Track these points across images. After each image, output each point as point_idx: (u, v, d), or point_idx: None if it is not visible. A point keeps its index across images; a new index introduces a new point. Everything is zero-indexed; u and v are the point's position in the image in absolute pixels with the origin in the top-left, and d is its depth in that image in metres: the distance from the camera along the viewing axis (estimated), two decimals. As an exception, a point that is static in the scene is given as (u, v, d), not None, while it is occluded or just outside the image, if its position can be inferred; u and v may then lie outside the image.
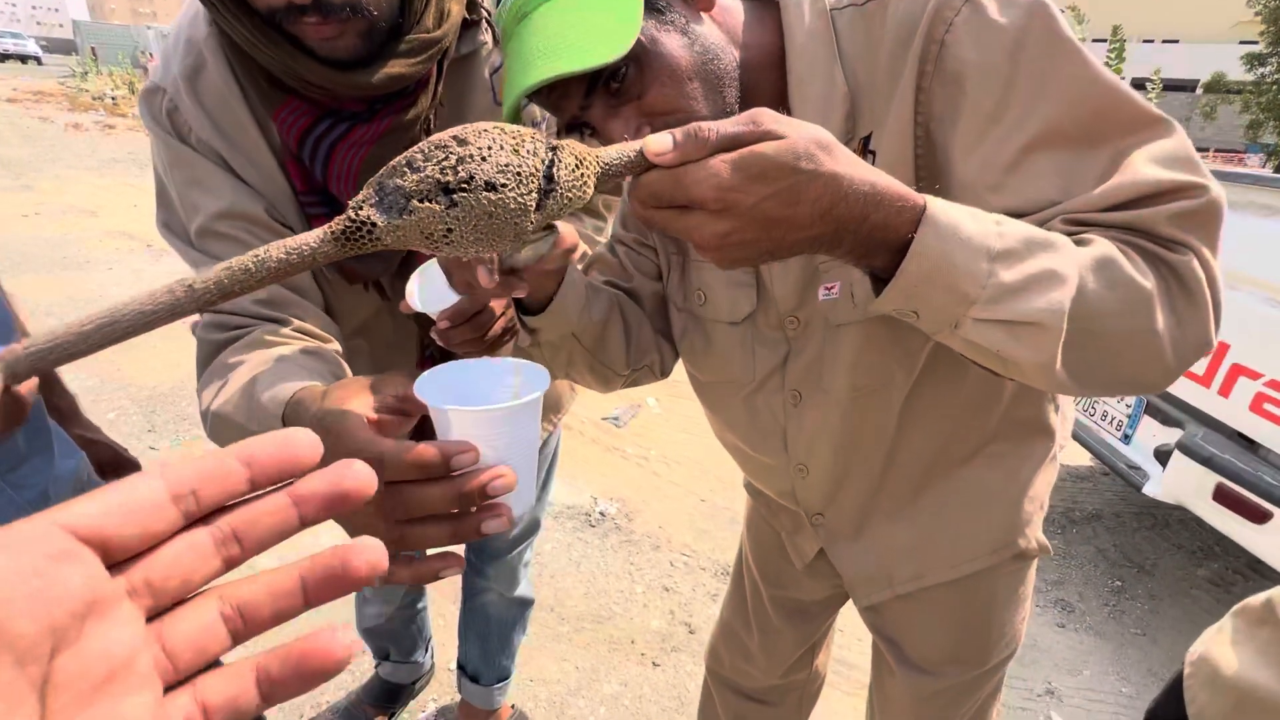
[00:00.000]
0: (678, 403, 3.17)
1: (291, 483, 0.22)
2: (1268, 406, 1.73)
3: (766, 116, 0.41)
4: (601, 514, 2.32)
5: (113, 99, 9.62)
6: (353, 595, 1.93)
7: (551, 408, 1.09)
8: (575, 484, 2.47)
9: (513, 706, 1.46)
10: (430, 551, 0.40)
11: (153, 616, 0.20)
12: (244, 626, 0.21)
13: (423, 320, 0.79)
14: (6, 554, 0.16)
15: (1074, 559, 2.36)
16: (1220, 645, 0.59)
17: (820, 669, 1.15)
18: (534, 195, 0.36)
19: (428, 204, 0.35)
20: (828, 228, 0.42)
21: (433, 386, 0.40)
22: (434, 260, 0.71)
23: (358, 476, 0.21)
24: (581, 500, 2.40)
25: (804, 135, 0.41)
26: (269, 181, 0.70)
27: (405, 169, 0.35)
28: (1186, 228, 0.48)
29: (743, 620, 1.09)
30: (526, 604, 1.36)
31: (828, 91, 0.59)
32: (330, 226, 0.36)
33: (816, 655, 1.12)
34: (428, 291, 0.68)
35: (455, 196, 0.35)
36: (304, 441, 0.21)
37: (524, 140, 0.37)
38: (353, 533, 0.39)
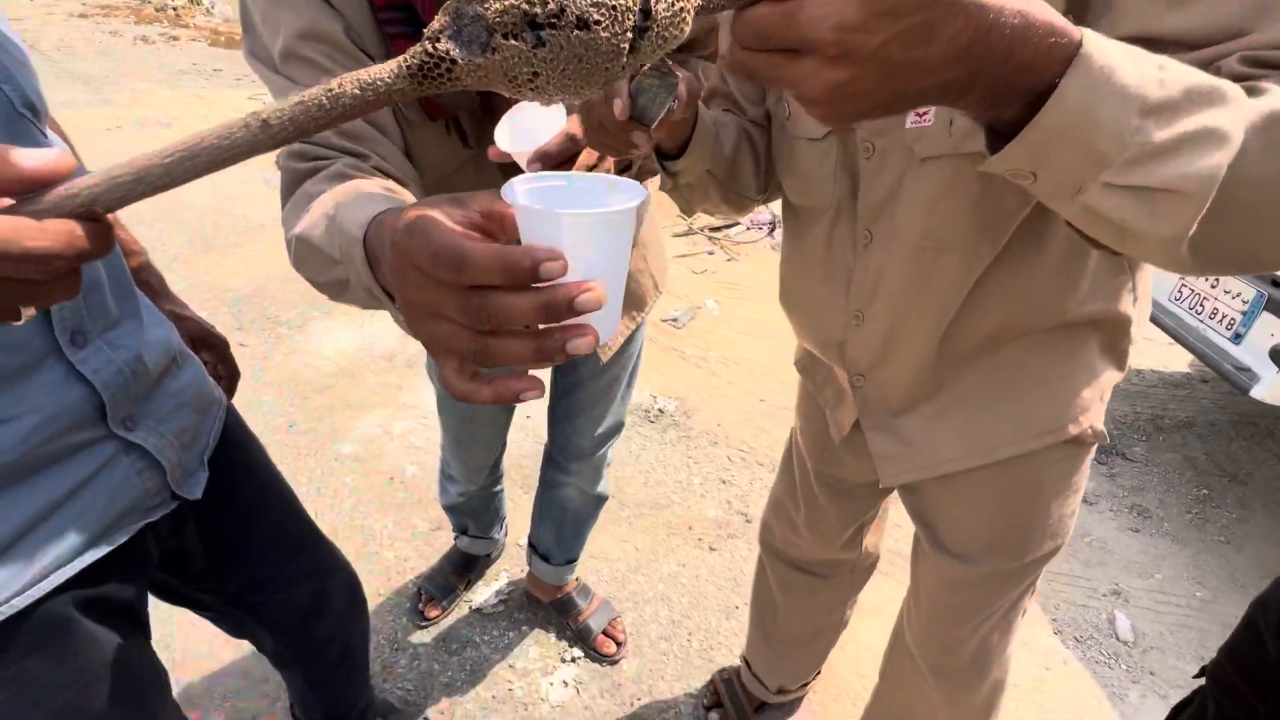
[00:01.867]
0: (737, 305, 3.10)
1: None
2: None
3: None
4: (660, 410, 2.36)
5: (174, 10, 9.70)
6: (435, 480, 2.08)
7: (635, 304, 1.08)
8: (637, 382, 2.50)
9: (576, 579, 1.56)
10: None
11: None
12: None
13: (511, 172, 0.77)
14: None
15: (1157, 466, 2.24)
16: None
17: (871, 549, 1.16)
18: (628, 35, 0.31)
19: (512, 41, 0.31)
20: (962, 70, 0.34)
21: (520, 192, 0.38)
22: (524, 104, 0.67)
23: None
24: (641, 397, 2.44)
25: None
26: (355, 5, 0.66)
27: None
28: None
29: (790, 496, 1.11)
30: (602, 500, 1.43)
31: None
32: (405, 60, 0.33)
33: (865, 535, 1.12)
34: (518, 136, 0.66)
35: (543, 34, 0.31)
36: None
37: None
38: (432, 343, 0.38)
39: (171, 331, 0.75)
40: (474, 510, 1.50)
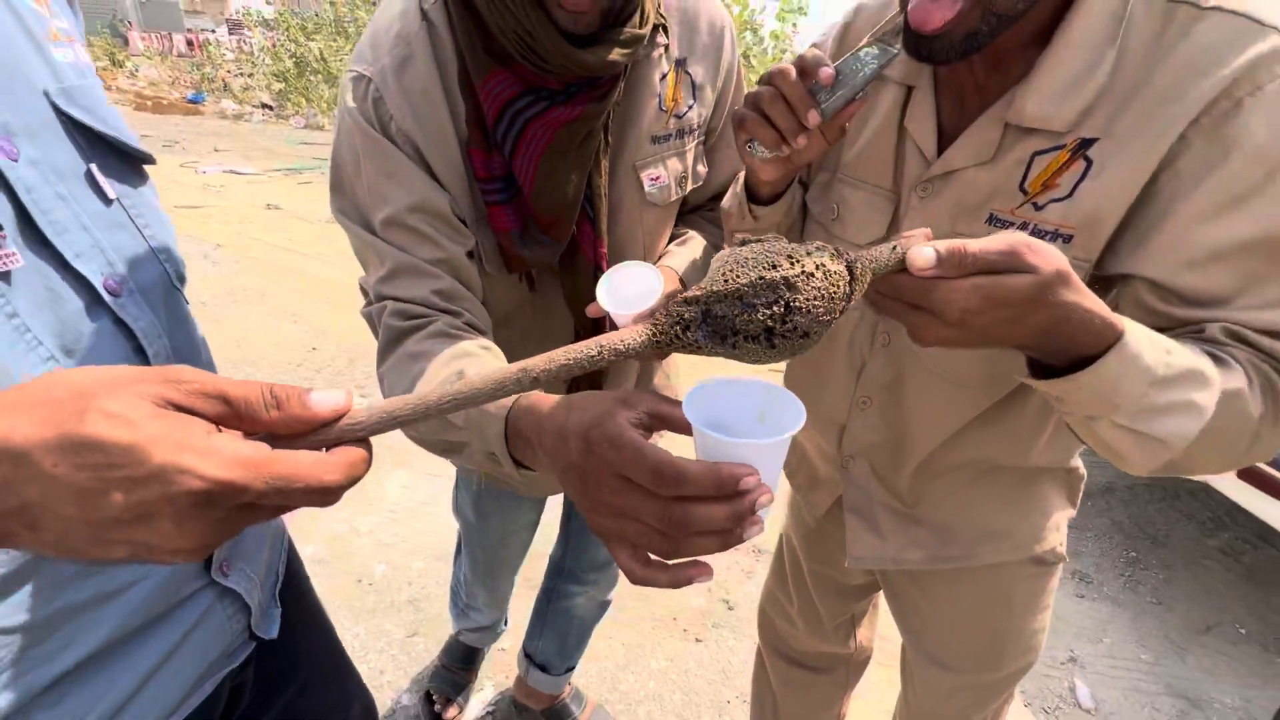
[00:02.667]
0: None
1: None
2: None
3: (1022, 246, 0.43)
4: (633, 494, 2.38)
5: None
6: (406, 579, 1.96)
7: None
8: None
9: (570, 685, 1.52)
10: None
11: None
12: None
13: (577, 315, 0.84)
14: None
15: (1090, 531, 2.44)
16: None
17: (865, 643, 1.21)
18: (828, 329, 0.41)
19: (752, 344, 0.40)
20: (1035, 340, 0.46)
21: (695, 408, 0.44)
22: (621, 265, 0.76)
23: None
24: (612, 481, 2.45)
25: (1051, 268, 0.43)
26: (452, 170, 0.73)
27: (737, 302, 0.40)
28: None
29: (783, 588, 1.16)
30: (608, 604, 1.42)
31: (1085, 74, 0.56)
32: (655, 336, 0.40)
33: (858, 628, 1.18)
34: (617, 296, 0.74)
35: (775, 340, 0.40)
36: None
37: (839, 285, 0.41)
38: (616, 537, 0.42)
39: None
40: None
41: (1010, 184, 0.63)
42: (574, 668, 1.47)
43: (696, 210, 0.99)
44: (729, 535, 0.40)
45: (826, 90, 0.57)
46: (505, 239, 0.76)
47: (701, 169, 0.91)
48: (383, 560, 1.97)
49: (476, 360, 0.62)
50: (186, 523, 0.30)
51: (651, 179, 0.83)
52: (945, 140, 0.67)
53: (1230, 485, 1.89)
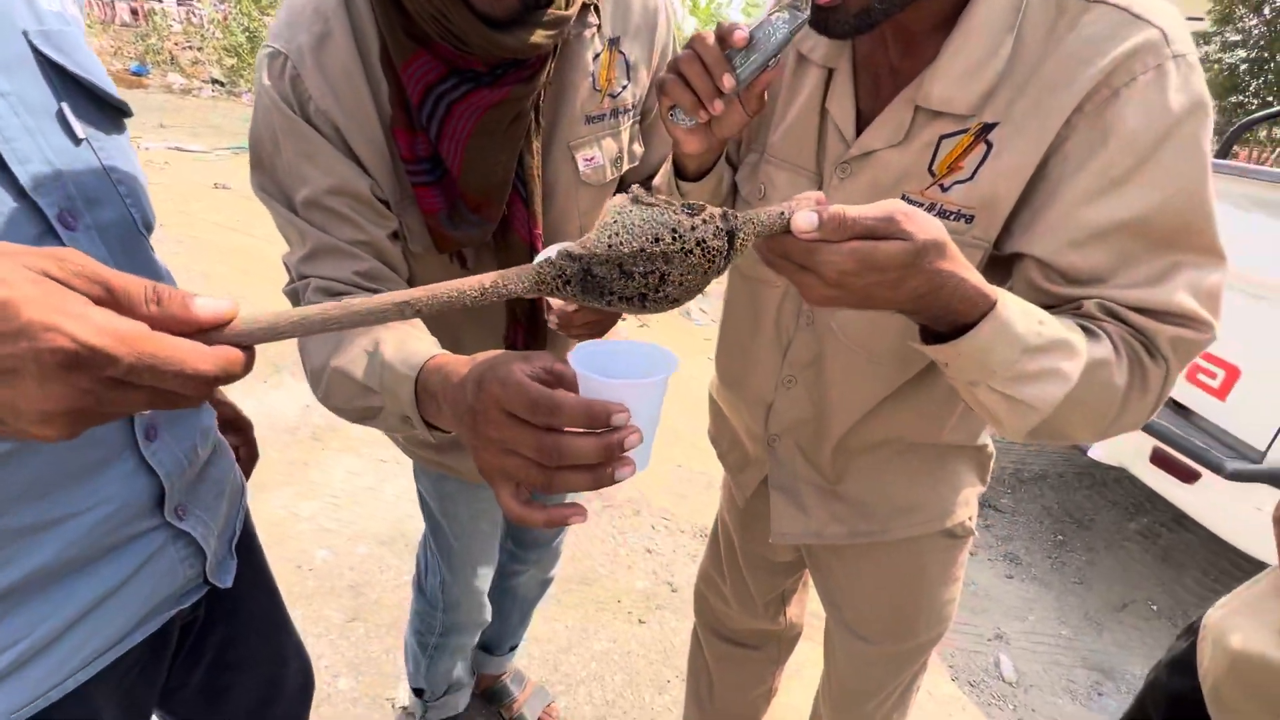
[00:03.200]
0: (653, 371, 3.22)
1: None
2: (1201, 377, 1.89)
3: (899, 214, 0.45)
4: (583, 480, 2.39)
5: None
6: (349, 565, 1.92)
7: None
8: (556, 451, 2.52)
9: (511, 665, 1.52)
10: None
11: None
12: None
13: (510, 302, 0.83)
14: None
15: (1021, 515, 2.55)
16: (1225, 611, 0.67)
17: (795, 620, 1.24)
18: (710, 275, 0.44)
19: (624, 304, 0.44)
20: (913, 305, 0.49)
21: (581, 361, 0.49)
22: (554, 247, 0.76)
23: None
24: (563, 467, 2.45)
25: (928, 237, 0.45)
26: (375, 151, 0.72)
27: (616, 268, 0.42)
28: (1178, 352, 0.57)
29: (718, 568, 1.18)
30: (550, 581, 1.42)
31: (985, 60, 0.59)
32: (538, 274, 0.43)
33: (788, 606, 1.21)
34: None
35: (647, 304, 0.44)
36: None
37: (715, 261, 0.43)
38: (500, 472, 0.45)
39: (213, 417, 0.77)
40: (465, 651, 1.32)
41: (920, 166, 0.65)
42: (517, 647, 1.47)
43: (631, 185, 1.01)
44: (599, 471, 0.43)
45: (742, 55, 0.59)
46: (433, 220, 0.75)
47: (638, 149, 0.91)
48: (325, 546, 1.94)
49: (393, 332, 0.63)
50: (50, 383, 0.30)
51: (586, 159, 0.83)
52: (863, 122, 0.69)
53: (1146, 472, 2.00)
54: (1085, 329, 0.57)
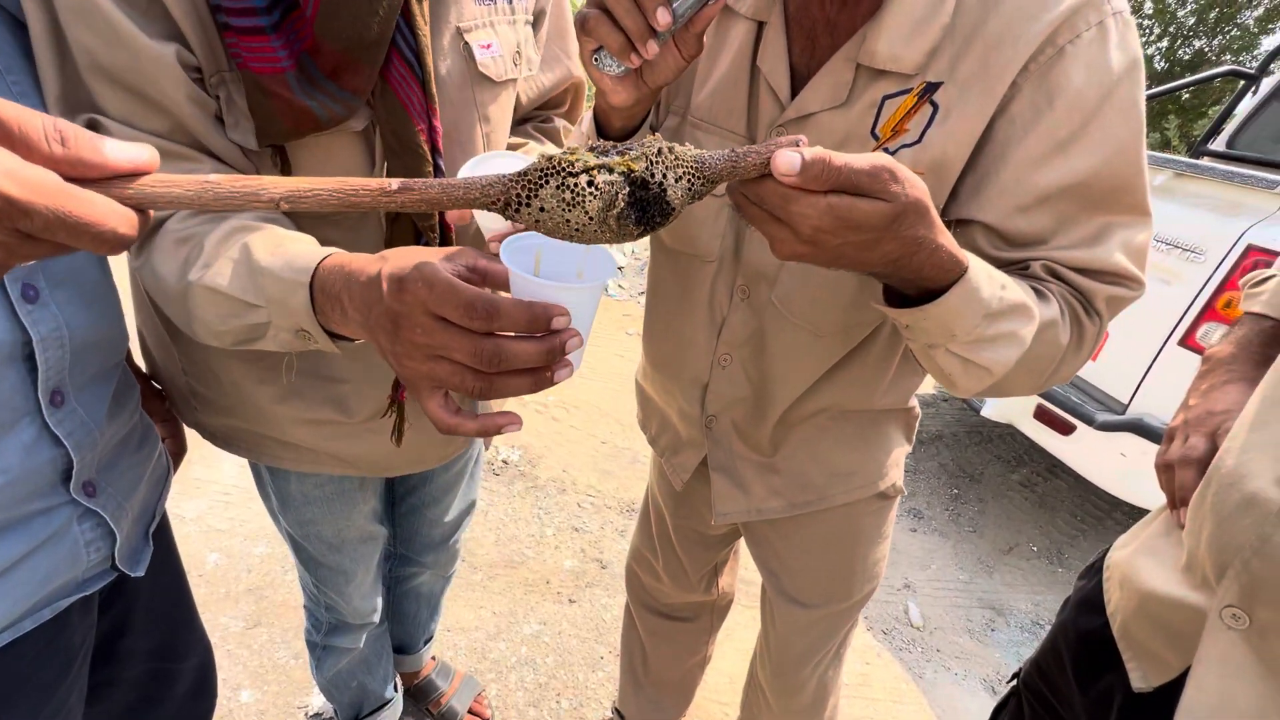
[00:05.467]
0: (572, 348, 3.17)
1: None
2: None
3: (886, 172, 0.41)
4: (505, 461, 2.31)
5: None
6: (244, 566, 1.76)
7: None
8: (474, 433, 2.42)
9: (433, 659, 1.45)
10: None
11: None
12: None
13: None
14: None
15: (922, 473, 2.74)
16: (1128, 552, 0.71)
17: (726, 589, 1.26)
18: (608, 224, 0.41)
19: (527, 209, 0.40)
20: (888, 269, 0.47)
21: (510, 254, 0.46)
22: (486, 155, 0.67)
23: None
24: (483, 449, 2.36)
25: (910, 199, 0.43)
26: None
27: (524, 191, 0.40)
28: (1111, 307, 0.60)
29: (649, 545, 1.17)
30: (452, 575, 1.34)
31: (929, 15, 0.57)
32: (504, 190, 0.39)
33: (720, 576, 1.22)
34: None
35: (540, 216, 0.40)
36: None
37: (605, 199, 0.40)
38: (426, 380, 0.42)
39: (137, 391, 0.69)
40: (368, 661, 1.19)
41: (863, 129, 0.62)
42: (432, 638, 1.40)
43: (527, 122, 0.91)
44: (540, 375, 0.42)
45: None
46: (276, 83, 0.56)
47: (534, 55, 0.80)
48: (216, 549, 1.75)
49: (262, 235, 0.53)
50: None
51: (483, 45, 0.70)
52: (798, 82, 0.65)
53: (1031, 427, 2.19)
54: (1035, 290, 0.58)
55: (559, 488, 2.24)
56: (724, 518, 0.91)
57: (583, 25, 0.54)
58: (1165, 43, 12.93)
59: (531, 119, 0.91)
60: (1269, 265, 1.59)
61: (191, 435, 0.87)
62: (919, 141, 0.60)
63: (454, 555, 1.26)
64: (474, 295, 0.39)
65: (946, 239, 0.47)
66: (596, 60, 0.56)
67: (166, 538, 0.79)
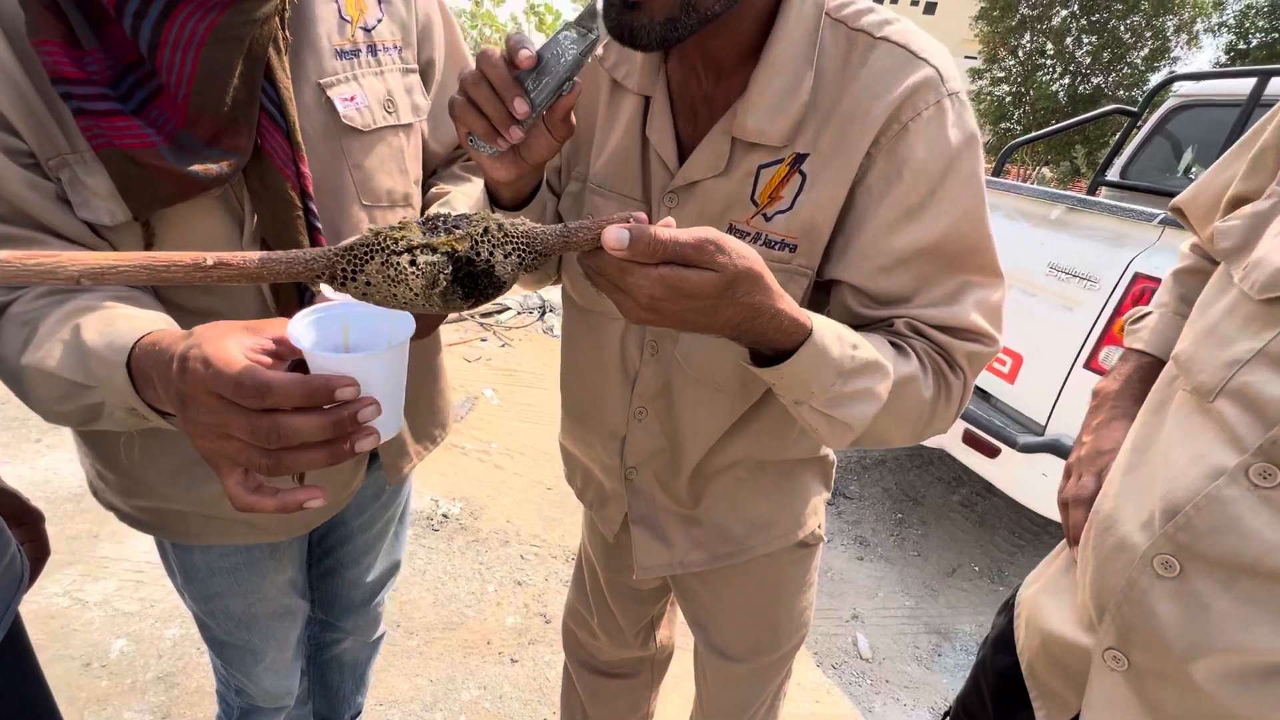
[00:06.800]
0: (515, 392, 3.12)
1: None
2: (996, 365, 2.18)
3: (710, 245, 0.44)
4: (445, 515, 2.23)
5: None
6: (154, 655, 1.63)
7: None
8: (415, 487, 2.32)
9: (363, 736, 1.36)
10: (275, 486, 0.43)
11: None
12: None
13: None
14: None
15: (867, 499, 2.79)
16: (1035, 590, 0.72)
17: (665, 642, 1.23)
18: (433, 299, 0.42)
19: (353, 283, 0.41)
20: (731, 333, 0.50)
21: (306, 328, 0.46)
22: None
23: None
24: (422, 504, 2.28)
25: (739, 269, 0.45)
26: (9, 83, 0.54)
27: (349, 266, 0.41)
28: (973, 364, 0.64)
29: (584, 602, 1.15)
30: (380, 640, 1.27)
31: (790, 92, 0.61)
32: (332, 262, 0.40)
33: (657, 630, 1.20)
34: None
35: (366, 290, 0.41)
36: None
37: (412, 282, 0.41)
38: (218, 458, 0.41)
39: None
40: None
41: (743, 195, 0.66)
42: (359, 713, 1.31)
43: (453, 163, 0.92)
44: (335, 446, 0.41)
45: (534, 76, 0.54)
46: (150, 156, 0.57)
47: (421, 100, 0.82)
48: (123, 634, 1.62)
49: (98, 314, 0.53)
50: None
51: (345, 98, 0.72)
52: (685, 151, 0.69)
53: (960, 451, 2.27)
54: (896, 345, 0.61)
55: (501, 540, 2.17)
56: (646, 571, 0.89)
57: (451, 111, 0.57)
58: (1067, 80, 14.06)
59: (456, 160, 0.93)
60: (1154, 291, 1.71)
61: (95, 509, 0.81)
62: (791, 208, 0.64)
63: (375, 620, 1.19)
64: (241, 373, 0.39)
65: (786, 303, 0.50)
66: (471, 141, 0.58)
67: (19, 654, 0.71)
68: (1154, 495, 0.55)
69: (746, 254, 0.46)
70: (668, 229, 0.43)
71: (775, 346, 0.52)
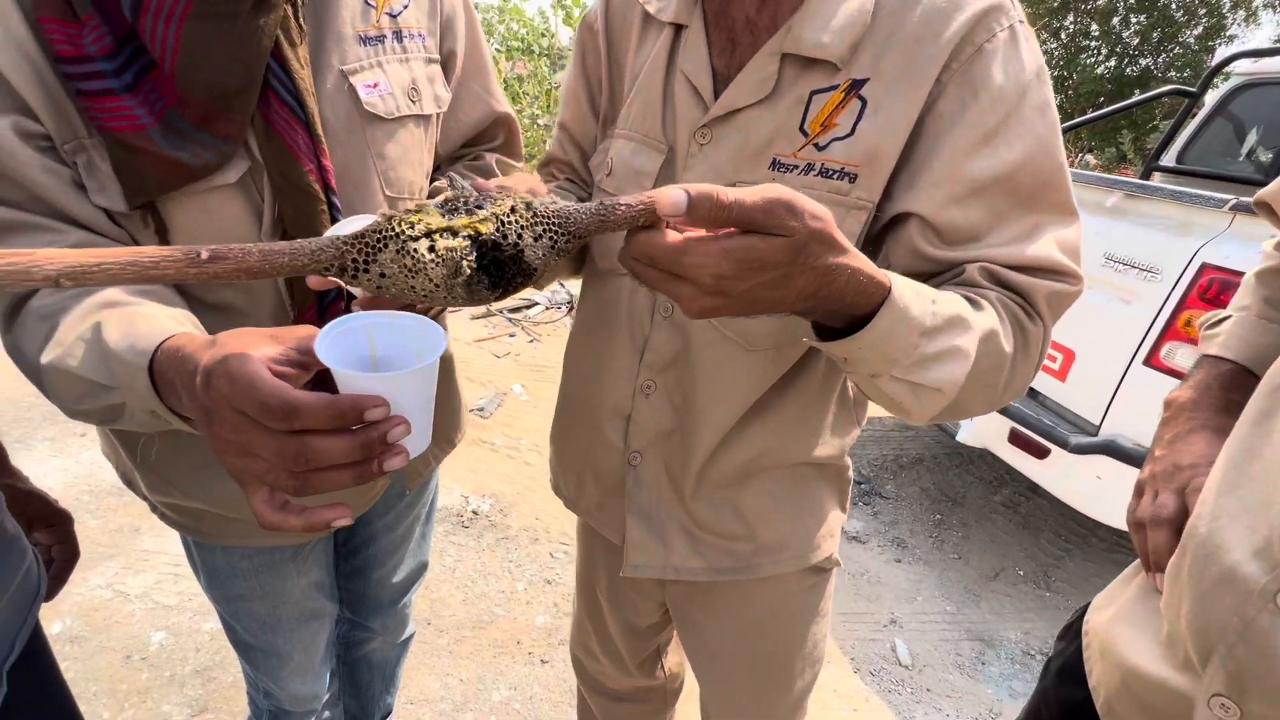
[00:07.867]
0: (544, 387, 3.11)
1: None
2: (1047, 362, 2.08)
3: (782, 206, 0.39)
4: (475, 513, 2.23)
5: None
6: (193, 648, 1.66)
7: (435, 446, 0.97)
8: (444, 483, 2.33)
9: (394, 735, 1.36)
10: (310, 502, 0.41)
11: None
12: None
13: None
14: None
15: (904, 499, 2.71)
16: (1107, 618, 0.65)
17: (675, 669, 1.16)
18: (456, 290, 0.39)
19: (366, 275, 0.39)
20: (805, 305, 0.44)
21: (332, 341, 0.43)
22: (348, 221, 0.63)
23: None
24: (452, 500, 2.28)
25: (811, 230, 0.40)
26: (18, 58, 0.52)
27: (360, 256, 0.38)
28: (1053, 307, 0.59)
29: (584, 625, 1.09)
30: (409, 639, 1.26)
31: (851, 11, 0.58)
32: (341, 254, 0.38)
33: (664, 658, 1.13)
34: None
35: (384, 280, 0.38)
36: None
37: (428, 269, 0.37)
38: (244, 475, 0.40)
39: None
40: None
41: (790, 125, 0.62)
42: (390, 713, 1.31)
43: (458, 160, 0.89)
44: (363, 468, 0.39)
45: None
46: (141, 139, 0.55)
47: (442, 92, 0.79)
48: (162, 627, 1.65)
49: (120, 311, 0.52)
50: None
51: (368, 85, 0.69)
52: (719, 85, 0.65)
53: (1006, 451, 2.17)
54: (969, 299, 0.55)
55: (531, 537, 2.16)
56: (637, 570, 0.82)
57: None
58: (1113, 62, 13.48)
59: (461, 157, 0.90)
60: (1225, 283, 1.60)
61: (136, 502, 0.80)
62: (851, 134, 0.60)
63: (404, 620, 1.18)
64: (269, 394, 0.37)
65: (861, 261, 0.45)
66: None
67: (41, 670, 0.69)
68: (1267, 518, 0.49)
69: (820, 213, 0.41)
70: (730, 190, 0.39)
71: (851, 312, 0.46)
